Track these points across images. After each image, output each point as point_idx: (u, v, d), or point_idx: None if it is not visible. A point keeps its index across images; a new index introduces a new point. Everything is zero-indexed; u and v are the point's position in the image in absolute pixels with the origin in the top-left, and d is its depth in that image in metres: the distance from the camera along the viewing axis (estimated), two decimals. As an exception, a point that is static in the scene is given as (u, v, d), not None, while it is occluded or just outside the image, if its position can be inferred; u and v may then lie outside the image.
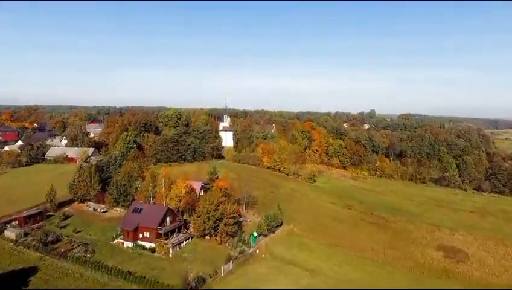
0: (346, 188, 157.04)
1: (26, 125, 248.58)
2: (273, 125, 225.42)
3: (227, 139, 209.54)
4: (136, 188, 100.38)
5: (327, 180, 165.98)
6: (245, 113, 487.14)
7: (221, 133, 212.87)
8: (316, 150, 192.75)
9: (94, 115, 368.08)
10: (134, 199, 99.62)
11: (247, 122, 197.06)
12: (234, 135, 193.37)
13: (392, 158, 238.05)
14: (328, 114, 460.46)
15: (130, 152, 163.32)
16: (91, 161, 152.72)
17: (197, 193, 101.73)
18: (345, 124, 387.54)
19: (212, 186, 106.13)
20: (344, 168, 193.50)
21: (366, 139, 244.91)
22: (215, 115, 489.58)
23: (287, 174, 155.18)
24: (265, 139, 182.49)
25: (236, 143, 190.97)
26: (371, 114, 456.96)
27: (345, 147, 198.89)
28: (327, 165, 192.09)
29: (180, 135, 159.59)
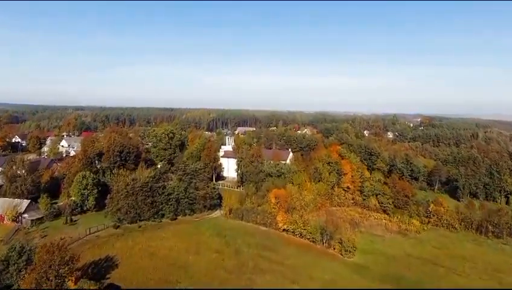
0: (399, 261, 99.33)
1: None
2: (289, 150, 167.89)
3: (229, 169, 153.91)
4: None
5: (369, 242, 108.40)
6: (255, 119, 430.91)
7: (223, 160, 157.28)
8: (348, 188, 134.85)
9: (89, 124, 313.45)
10: None
11: (255, 151, 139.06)
12: (238, 166, 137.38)
13: (436, 187, 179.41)
14: (346, 117, 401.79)
15: (88, 201, 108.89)
16: (24, 219, 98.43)
17: None
18: (365, 132, 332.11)
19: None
20: (385, 211, 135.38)
21: (403, 162, 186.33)
22: (223, 120, 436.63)
23: (313, 241, 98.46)
24: (279, 176, 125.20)
25: (241, 178, 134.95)
26: (393, 120, 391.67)
27: (385, 183, 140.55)
28: (361, 208, 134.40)
29: (157, 179, 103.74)
